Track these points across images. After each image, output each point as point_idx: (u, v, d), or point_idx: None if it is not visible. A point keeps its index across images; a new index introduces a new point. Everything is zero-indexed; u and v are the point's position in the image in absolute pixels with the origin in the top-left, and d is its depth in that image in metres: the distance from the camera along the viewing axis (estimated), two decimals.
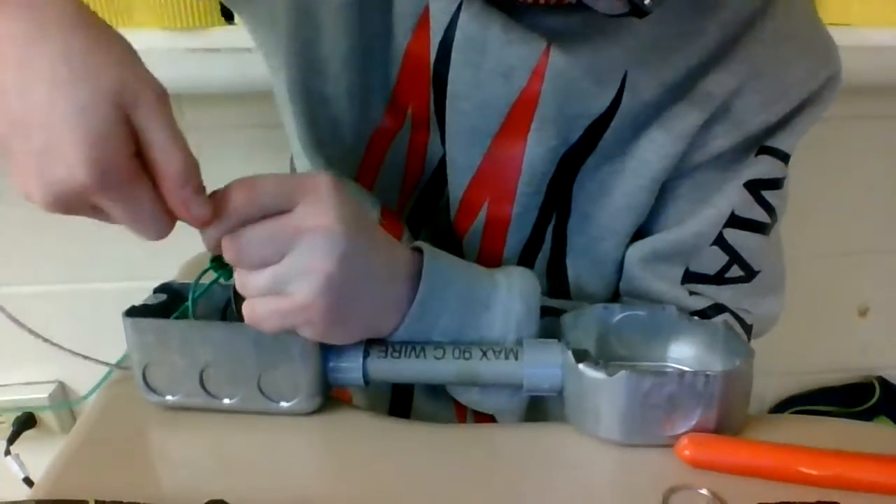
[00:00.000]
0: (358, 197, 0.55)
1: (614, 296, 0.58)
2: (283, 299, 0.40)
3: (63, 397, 1.07)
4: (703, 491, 0.41)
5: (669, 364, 0.50)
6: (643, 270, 0.54)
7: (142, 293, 0.49)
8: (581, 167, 0.53)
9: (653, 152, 0.51)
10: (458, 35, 0.48)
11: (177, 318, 0.46)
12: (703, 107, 0.49)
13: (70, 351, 0.51)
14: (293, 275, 0.40)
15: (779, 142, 0.51)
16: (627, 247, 0.55)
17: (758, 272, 0.54)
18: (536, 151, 0.51)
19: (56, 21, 0.34)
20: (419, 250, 0.47)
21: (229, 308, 0.49)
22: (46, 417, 1.05)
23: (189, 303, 0.46)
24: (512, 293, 0.47)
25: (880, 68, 0.89)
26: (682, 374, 0.42)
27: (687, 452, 0.42)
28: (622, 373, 0.42)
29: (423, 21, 0.50)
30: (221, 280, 0.45)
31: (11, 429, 1.02)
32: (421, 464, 0.44)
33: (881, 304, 1.15)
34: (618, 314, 0.50)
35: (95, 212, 0.37)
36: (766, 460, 0.42)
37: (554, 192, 0.54)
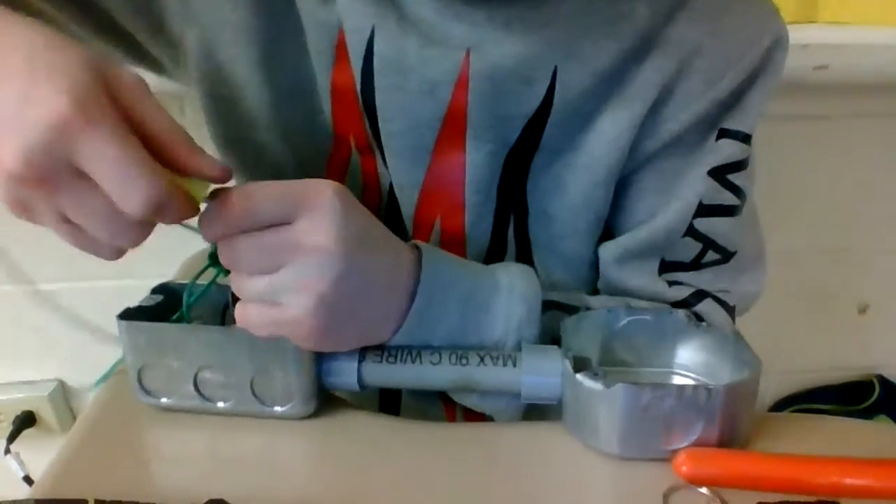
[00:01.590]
0: None
1: (592, 291, 0.57)
2: (277, 309, 0.40)
3: (63, 396, 1.07)
4: (704, 490, 0.41)
5: (676, 371, 0.49)
6: (619, 270, 0.54)
7: (143, 291, 0.49)
8: (530, 166, 0.52)
9: (602, 146, 0.50)
10: (377, 60, 0.48)
11: (173, 321, 0.46)
12: (645, 94, 0.49)
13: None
14: (287, 288, 0.39)
15: (736, 122, 0.51)
16: (597, 244, 0.55)
17: (734, 252, 0.54)
18: (477, 158, 0.50)
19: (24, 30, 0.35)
20: (418, 249, 0.46)
21: (228, 310, 0.49)
22: (46, 416, 1.05)
23: (184, 308, 0.46)
24: (513, 294, 0.46)
25: (880, 67, 0.89)
26: (682, 387, 0.41)
27: (684, 468, 0.41)
28: (619, 385, 0.41)
29: (339, 53, 0.50)
30: (220, 278, 0.45)
31: (11, 427, 1.02)
32: (420, 463, 0.44)
33: (881, 303, 1.14)
34: (623, 318, 0.49)
35: (68, 189, 0.34)
36: (767, 474, 0.41)
37: (506, 195, 0.53)
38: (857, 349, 1.18)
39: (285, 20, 0.50)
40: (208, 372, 0.45)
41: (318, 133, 0.54)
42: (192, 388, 0.46)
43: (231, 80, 0.51)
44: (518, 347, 0.46)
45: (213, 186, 0.39)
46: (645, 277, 0.54)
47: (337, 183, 0.41)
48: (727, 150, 0.51)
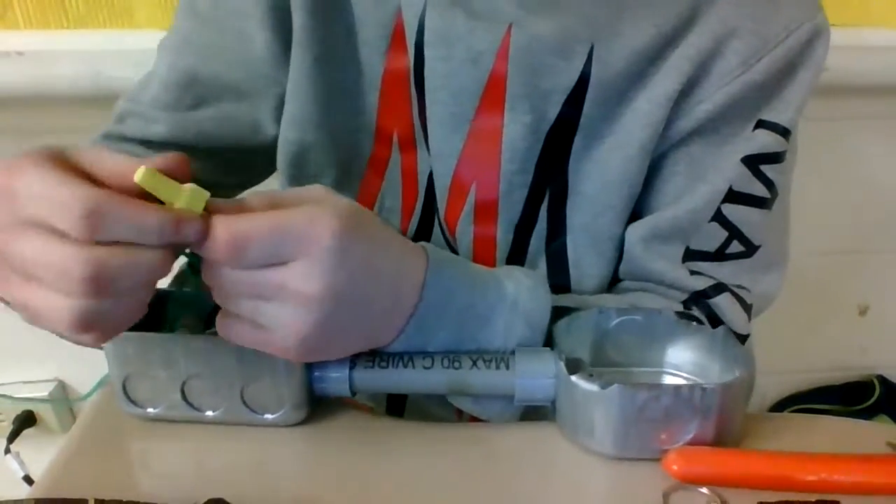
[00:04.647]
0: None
1: (613, 276, 0.57)
2: (261, 333, 0.39)
3: (63, 396, 1.07)
4: (704, 490, 0.41)
5: (667, 370, 0.49)
6: (644, 251, 0.54)
7: None
8: (572, 146, 0.53)
9: (636, 121, 0.51)
10: (427, 33, 0.51)
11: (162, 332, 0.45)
12: (680, 70, 0.50)
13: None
14: (271, 320, 0.38)
15: (774, 114, 0.51)
16: (626, 224, 0.55)
17: (758, 247, 0.54)
18: (514, 128, 0.52)
19: None
20: (426, 254, 0.45)
21: (213, 315, 0.48)
22: (46, 416, 1.05)
23: (169, 319, 0.46)
24: (516, 310, 0.45)
25: (881, 69, 0.89)
26: (678, 387, 0.41)
27: (675, 467, 0.41)
28: (615, 386, 0.40)
29: (396, 37, 0.52)
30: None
31: (11, 427, 1.02)
32: (417, 463, 0.44)
33: (881, 303, 1.14)
34: (614, 319, 0.48)
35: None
36: (756, 471, 0.41)
37: (545, 172, 0.54)
38: (858, 350, 1.18)
39: (339, 21, 0.53)
40: (196, 381, 0.44)
41: (360, 134, 0.56)
42: (179, 397, 0.45)
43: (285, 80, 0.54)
44: (510, 352, 0.45)
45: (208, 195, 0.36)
46: (667, 262, 0.54)
47: (345, 208, 0.39)
48: (763, 140, 0.52)
